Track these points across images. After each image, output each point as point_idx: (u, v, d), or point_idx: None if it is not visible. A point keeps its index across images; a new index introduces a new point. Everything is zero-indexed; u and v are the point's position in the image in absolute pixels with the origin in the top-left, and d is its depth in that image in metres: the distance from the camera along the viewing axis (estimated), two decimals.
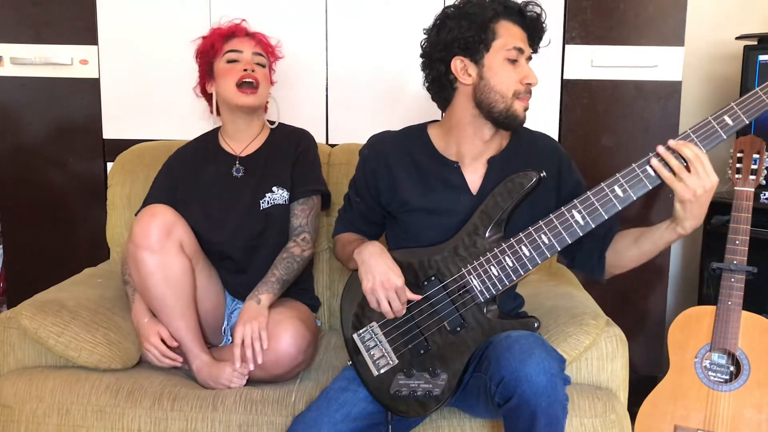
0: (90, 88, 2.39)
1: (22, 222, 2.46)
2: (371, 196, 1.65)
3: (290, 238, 1.83)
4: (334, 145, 2.23)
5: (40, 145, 2.42)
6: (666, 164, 1.37)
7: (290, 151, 1.89)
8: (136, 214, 1.81)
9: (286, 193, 1.85)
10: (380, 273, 1.47)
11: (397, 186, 1.59)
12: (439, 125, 1.62)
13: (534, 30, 1.52)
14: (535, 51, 1.54)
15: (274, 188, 1.84)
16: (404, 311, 1.49)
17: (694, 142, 1.38)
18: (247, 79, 1.81)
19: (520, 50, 1.48)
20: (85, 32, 2.36)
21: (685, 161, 1.36)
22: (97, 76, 2.39)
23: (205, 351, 1.73)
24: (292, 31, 2.35)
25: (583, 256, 1.59)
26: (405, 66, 2.37)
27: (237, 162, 1.88)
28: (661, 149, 1.38)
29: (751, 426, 1.86)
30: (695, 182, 1.35)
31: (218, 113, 1.94)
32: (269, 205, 1.83)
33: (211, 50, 1.86)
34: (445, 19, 1.51)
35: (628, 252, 1.52)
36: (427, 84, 1.58)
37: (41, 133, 2.42)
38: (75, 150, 2.43)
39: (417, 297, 1.49)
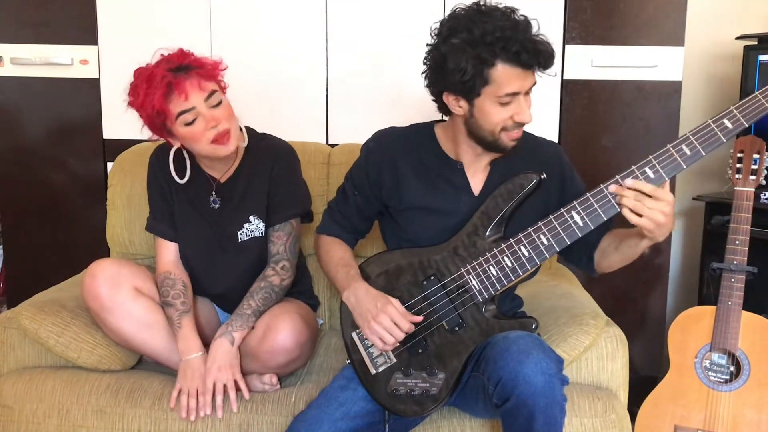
0: (90, 88, 2.39)
1: (22, 222, 2.46)
2: (371, 190, 1.62)
3: (268, 264, 1.77)
4: (334, 145, 2.23)
5: (40, 145, 2.42)
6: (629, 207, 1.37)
7: (266, 175, 1.77)
8: (147, 230, 1.82)
9: (262, 224, 1.78)
10: (369, 310, 1.48)
11: (401, 182, 1.58)
12: (444, 126, 1.61)
13: (536, 64, 1.42)
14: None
15: (251, 218, 1.77)
16: (411, 327, 1.48)
17: (692, 146, 1.38)
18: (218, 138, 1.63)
19: (515, 94, 1.42)
20: (85, 32, 2.36)
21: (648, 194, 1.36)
22: (97, 76, 2.39)
23: None
24: (292, 31, 2.35)
25: (573, 257, 1.62)
26: (405, 66, 2.36)
27: (214, 192, 1.78)
28: (613, 188, 1.39)
29: (751, 426, 1.86)
30: (661, 207, 1.35)
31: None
32: (247, 237, 1.77)
33: (158, 117, 1.61)
34: (448, 52, 1.40)
35: (611, 256, 1.55)
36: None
37: (41, 133, 2.42)
38: (75, 150, 2.43)
39: (419, 318, 1.50)
